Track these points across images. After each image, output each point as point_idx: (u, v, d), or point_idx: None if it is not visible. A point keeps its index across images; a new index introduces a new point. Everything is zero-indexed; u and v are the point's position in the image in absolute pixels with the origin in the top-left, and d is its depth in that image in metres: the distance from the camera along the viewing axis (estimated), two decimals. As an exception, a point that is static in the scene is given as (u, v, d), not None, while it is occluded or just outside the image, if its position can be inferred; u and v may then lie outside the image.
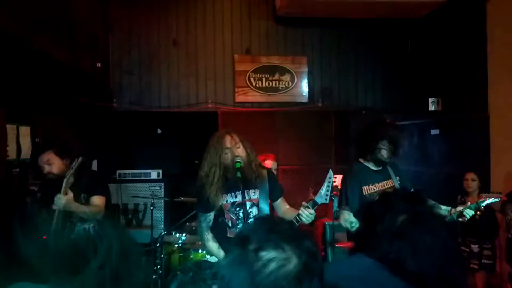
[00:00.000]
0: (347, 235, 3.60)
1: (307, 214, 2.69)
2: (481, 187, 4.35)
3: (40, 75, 4.03)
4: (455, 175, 4.85)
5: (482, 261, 4.32)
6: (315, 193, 2.80)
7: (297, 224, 2.79)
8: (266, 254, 1.00)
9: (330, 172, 2.70)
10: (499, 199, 3.45)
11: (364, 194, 3.34)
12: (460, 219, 3.26)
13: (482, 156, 5.16)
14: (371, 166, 3.42)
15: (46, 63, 3.79)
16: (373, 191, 3.34)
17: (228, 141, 2.90)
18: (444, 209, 3.36)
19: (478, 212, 3.35)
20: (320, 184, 2.72)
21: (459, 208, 3.26)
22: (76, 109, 4.93)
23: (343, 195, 3.43)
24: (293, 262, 1.00)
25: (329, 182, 2.68)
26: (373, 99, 6.26)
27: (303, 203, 2.74)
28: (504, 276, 4.34)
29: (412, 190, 3.54)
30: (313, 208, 2.70)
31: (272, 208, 3.17)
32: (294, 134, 6.03)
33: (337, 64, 6.23)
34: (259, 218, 1.18)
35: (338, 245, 4.67)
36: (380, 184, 3.38)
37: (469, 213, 3.24)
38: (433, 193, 3.62)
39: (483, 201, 3.33)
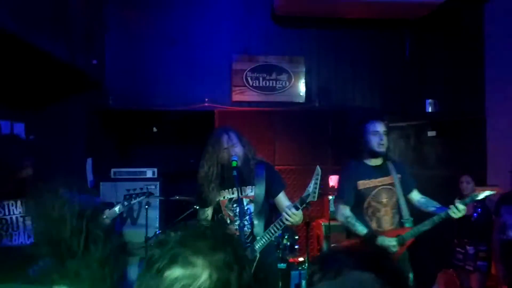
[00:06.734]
0: (346, 234, 3.59)
1: (289, 215, 2.70)
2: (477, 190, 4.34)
3: (35, 72, 4.00)
4: (451, 177, 4.84)
5: (477, 263, 4.32)
6: (313, 194, 2.79)
7: (282, 227, 2.80)
8: (171, 274, 0.91)
9: (318, 169, 2.70)
10: (494, 192, 3.42)
11: (360, 188, 3.37)
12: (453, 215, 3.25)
13: (478, 158, 5.17)
14: (368, 162, 3.43)
15: (41, 60, 3.75)
16: (369, 186, 3.36)
17: (225, 141, 2.97)
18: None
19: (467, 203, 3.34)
20: (318, 185, 2.71)
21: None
22: (71, 107, 4.89)
23: (338, 190, 3.45)
24: (202, 278, 0.90)
25: (316, 179, 2.68)
26: (371, 99, 6.25)
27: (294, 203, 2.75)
28: (499, 278, 4.34)
29: (415, 188, 3.58)
30: (301, 206, 2.71)
31: (272, 204, 3.17)
32: (291, 134, 6.01)
33: (335, 64, 6.21)
34: (168, 230, 1.08)
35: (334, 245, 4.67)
36: (377, 179, 3.39)
37: (459, 207, 3.21)
38: (429, 195, 3.63)
39: (477, 194, 3.32)
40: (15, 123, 3.89)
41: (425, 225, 3.31)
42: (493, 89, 5.29)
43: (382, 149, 3.35)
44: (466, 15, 5.65)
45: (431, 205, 3.45)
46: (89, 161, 5.26)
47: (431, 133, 6.11)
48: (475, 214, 4.35)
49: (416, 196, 3.56)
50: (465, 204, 3.25)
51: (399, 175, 3.44)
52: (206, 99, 5.90)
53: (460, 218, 4.37)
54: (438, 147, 5.95)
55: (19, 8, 3.23)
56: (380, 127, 3.36)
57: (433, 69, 6.06)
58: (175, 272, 0.91)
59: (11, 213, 2.87)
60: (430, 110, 5.90)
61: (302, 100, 6.09)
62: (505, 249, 4.18)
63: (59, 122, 4.65)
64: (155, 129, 6.36)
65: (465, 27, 5.66)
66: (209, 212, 3.08)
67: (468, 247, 4.37)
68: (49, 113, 4.50)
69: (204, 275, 0.91)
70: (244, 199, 2.96)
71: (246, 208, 2.98)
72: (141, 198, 3.31)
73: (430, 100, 5.87)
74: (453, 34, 5.78)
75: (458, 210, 3.21)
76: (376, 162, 3.42)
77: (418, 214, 3.52)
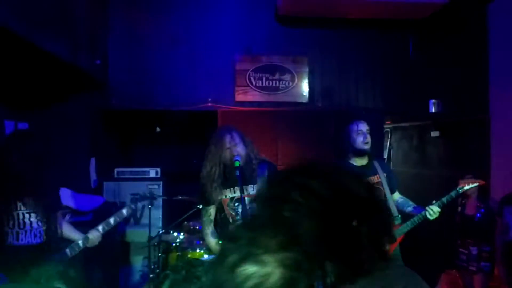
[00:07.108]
0: None
1: None
2: (480, 190, 4.34)
3: (38, 72, 4.01)
4: (454, 178, 4.82)
5: (480, 263, 4.31)
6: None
7: None
8: (243, 271, 0.92)
9: None
10: (477, 184, 3.55)
11: None
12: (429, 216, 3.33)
13: (482, 159, 5.15)
14: (354, 162, 3.50)
15: (44, 60, 3.77)
16: None
17: (227, 140, 2.98)
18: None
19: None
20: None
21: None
22: (74, 107, 4.91)
23: None
24: (274, 278, 0.91)
25: None
26: (374, 100, 6.24)
27: None
28: (502, 279, 4.33)
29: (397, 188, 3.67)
30: None
31: None
32: (294, 134, 6.00)
33: (338, 65, 6.20)
34: (242, 225, 1.09)
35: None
36: None
37: (434, 209, 3.29)
38: (432, 195, 3.63)
39: (462, 187, 3.40)
40: (19, 123, 3.91)
41: (414, 222, 3.41)
42: (497, 89, 5.27)
43: (367, 146, 3.46)
44: (470, 15, 5.63)
45: (407, 206, 3.55)
46: (93, 161, 5.28)
47: (434, 133, 6.11)
48: (478, 215, 4.35)
49: (395, 196, 3.65)
50: (443, 204, 3.34)
51: (385, 174, 3.52)
52: (209, 99, 5.90)
53: (463, 219, 4.41)
54: (442, 147, 5.94)
55: (22, 7, 3.24)
56: (364, 127, 3.50)
57: (437, 70, 6.04)
58: (248, 270, 0.92)
59: (19, 209, 2.88)
60: (433, 111, 5.89)
61: (305, 100, 6.08)
62: (507, 250, 4.16)
63: (63, 122, 4.66)
64: (158, 129, 6.38)
65: (469, 27, 5.64)
66: (212, 211, 3.10)
67: (471, 248, 4.36)
68: (53, 113, 4.52)
69: (274, 274, 0.91)
70: (246, 198, 2.97)
71: (248, 207, 2.99)
72: (146, 200, 3.36)
73: (433, 100, 5.85)
74: (457, 34, 5.76)
75: (433, 211, 3.30)
76: (361, 161, 3.52)
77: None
